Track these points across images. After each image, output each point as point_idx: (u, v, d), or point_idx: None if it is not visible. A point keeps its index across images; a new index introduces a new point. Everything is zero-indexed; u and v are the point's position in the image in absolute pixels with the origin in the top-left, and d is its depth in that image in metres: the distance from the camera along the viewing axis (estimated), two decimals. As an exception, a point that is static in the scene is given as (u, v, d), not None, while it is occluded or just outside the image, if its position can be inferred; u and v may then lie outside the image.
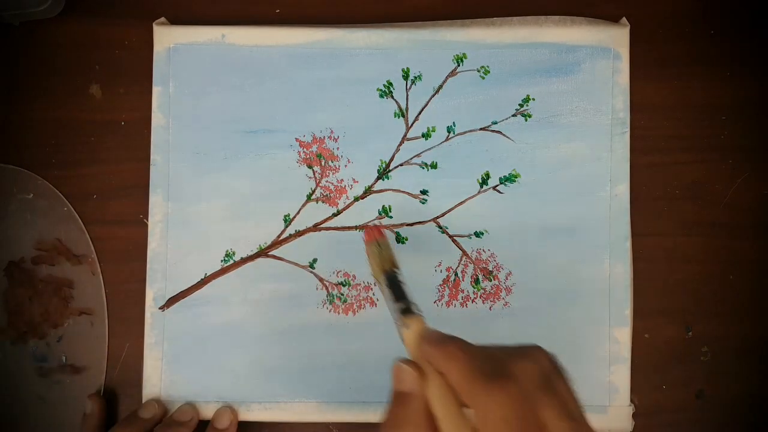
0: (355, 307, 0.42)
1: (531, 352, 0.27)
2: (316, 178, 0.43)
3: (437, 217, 0.43)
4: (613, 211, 0.43)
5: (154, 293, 0.42)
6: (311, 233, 0.43)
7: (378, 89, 0.43)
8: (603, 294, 0.42)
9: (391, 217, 0.43)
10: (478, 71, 0.43)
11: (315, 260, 0.43)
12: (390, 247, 0.35)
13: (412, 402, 0.26)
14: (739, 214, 0.44)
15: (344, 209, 0.43)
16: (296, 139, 0.43)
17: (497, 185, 0.43)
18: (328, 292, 0.42)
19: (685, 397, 0.44)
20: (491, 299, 0.43)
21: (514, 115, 0.43)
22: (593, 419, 0.43)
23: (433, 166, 0.43)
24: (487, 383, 0.25)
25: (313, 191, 0.43)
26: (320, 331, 0.42)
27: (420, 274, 0.42)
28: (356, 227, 0.43)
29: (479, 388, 0.25)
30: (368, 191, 0.43)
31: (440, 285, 0.43)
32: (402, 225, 0.43)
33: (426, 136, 0.43)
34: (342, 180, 0.43)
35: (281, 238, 0.43)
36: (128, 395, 0.43)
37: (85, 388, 0.43)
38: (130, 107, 0.44)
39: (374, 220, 0.43)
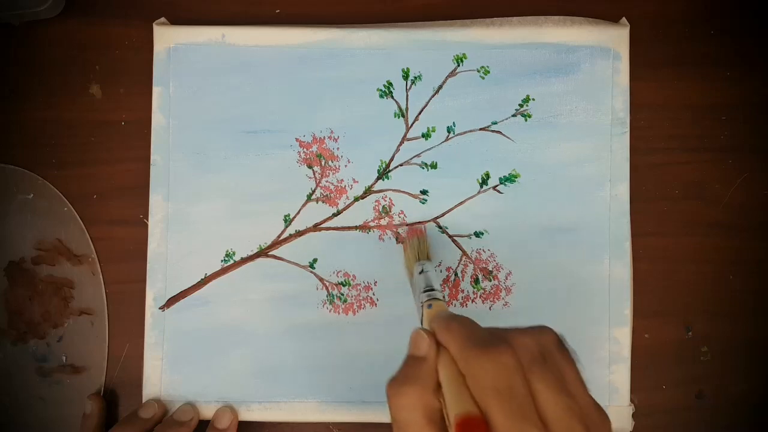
0: (355, 307, 0.42)
1: (535, 330, 0.27)
2: (316, 178, 0.43)
3: (437, 217, 0.43)
4: (613, 211, 0.43)
5: (154, 293, 0.42)
6: (311, 233, 0.43)
7: (378, 89, 0.43)
8: (603, 294, 0.42)
9: (391, 217, 0.43)
10: (478, 71, 0.43)
11: (315, 260, 0.43)
12: (428, 243, 0.39)
13: (423, 365, 0.27)
14: (739, 214, 0.44)
15: (344, 209, 0.43)
16: (296, 139, 0.43)
17: (497, 185, 0.43)
18: (328, 292, 0.42)
19: (685, 397, 0.44)
20: (491, 299, 0.43)
21: (514, 116, 0.43)
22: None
23: (433, 166, 0.43)
24: (480, 351, 0.25)
25: (313, 191, 0.43)
26: (320, 331, 0.42)
27: (420, 274, 0.42)
28: (356, 227, 0.43)
29: (472, 356, 0.25)
30: (368, 191, 0.43)
31: (440, 285, 0.42)
32: (402, 225, 0.43)
33: (426, 136, 0.43)
34: (342, 180, 0.43)
35: (281, 238, 0.43)
36: (128, 395, 0.43)
37: (85, 388, 0.43)
38: (130, 107, 0.44)
39: (416, 224, 0.43)
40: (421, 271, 0.36)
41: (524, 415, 0.23)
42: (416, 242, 0.39)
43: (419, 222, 0.43)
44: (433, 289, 0.34)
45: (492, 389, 0.24)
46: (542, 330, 0.27)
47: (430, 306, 0.32)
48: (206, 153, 0.43)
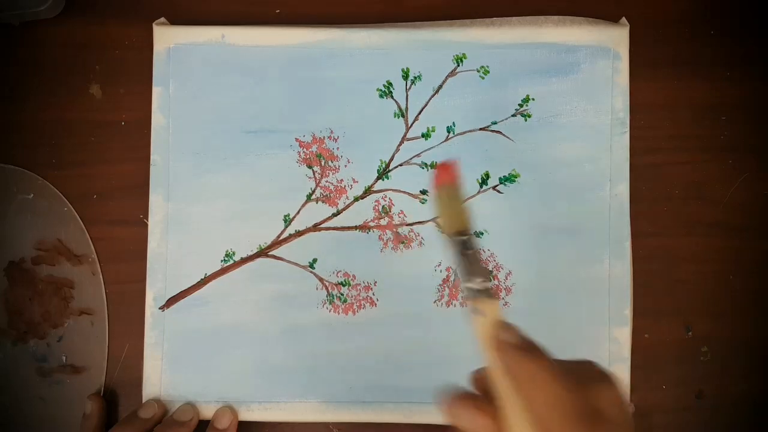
0: (355, 307, 0.42)
1: (602, 377, 0.26)
2: (315, 178, 0.43)
3: (437, 217, 0.43)
4: (613, 211, 0.43)
5: (154, 293, 0.42)
6: (311, 233, 0.43)
7: (378, 89, 0.43)
8: (603, 294, 0.42)
9: (391, 217, 0.43)
10: (478, 71, 0.43)
11: (315, 260, 0.43)
12: (462, 198, 0.30)
13: None
14: (739, 214, 0.44)
15: (344, 209, 0.43)
16: (296, 139, 0.43)
17: (497, 185, 0.43)
18: (328, 292, 0.42)
19: (685, 397, 0.44)
20: (491, 299, 0.42)
21: (513, 115, 0.43)
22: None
23: (433, 166, 0.43)
24: (579, 427, 0.23)
25: (313, 191, 0.43)
26: (320, 331, 0.42)
27: (420, 274, 0.42)
28: (356, 227, 0.43)
29: None
30: (368, 191, 0.43)
31: (440, 285, 0.43)
32: (402, 225, 0.43)
33: (426, 136, 0.43)
34: (342, 180, 0.43)
35: (281, 238, 0.43)
36: (128, 395, 0.43)
37: (85, 388, 0.43)
38: (130, 107, 0.44)
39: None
40: (462, 251, 0.28)
41: None
42: (446, 199, 0.29)
43: (419, 222, 0.43)
44: (480, 280, 0.27)
45: None
46: (609, 378, 0.26)
47: (482, 313, 0.26)
48: (206, 153, 0.43)
